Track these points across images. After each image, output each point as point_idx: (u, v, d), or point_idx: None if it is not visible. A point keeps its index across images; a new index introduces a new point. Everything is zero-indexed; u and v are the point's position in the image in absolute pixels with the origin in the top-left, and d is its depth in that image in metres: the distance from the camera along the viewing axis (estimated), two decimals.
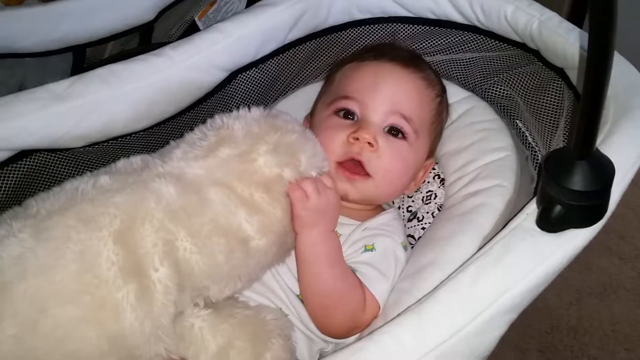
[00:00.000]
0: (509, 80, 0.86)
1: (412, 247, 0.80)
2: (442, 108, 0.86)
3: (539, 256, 0.56)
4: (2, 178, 0.71)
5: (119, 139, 0.77)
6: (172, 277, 0.60)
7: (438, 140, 0.88)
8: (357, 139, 0.77)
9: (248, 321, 0.66)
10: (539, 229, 0.57)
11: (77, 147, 0.74)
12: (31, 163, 0.73)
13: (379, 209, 0.85)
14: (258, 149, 0.68)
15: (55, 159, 0.75)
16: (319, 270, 0.70)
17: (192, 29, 1.22)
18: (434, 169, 0.88)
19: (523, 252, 0.56)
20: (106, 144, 0.77)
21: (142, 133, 0.79)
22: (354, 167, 0.77)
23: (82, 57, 1.09)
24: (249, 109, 0.73)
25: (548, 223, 0.56)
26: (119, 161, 0.70)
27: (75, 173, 0.79)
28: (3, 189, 0.72)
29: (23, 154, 0.72)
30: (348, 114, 0.80)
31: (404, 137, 0.79)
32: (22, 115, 0.68)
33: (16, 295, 0.55)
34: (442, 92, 0.87)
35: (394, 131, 0.79)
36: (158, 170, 0.66)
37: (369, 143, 0.76)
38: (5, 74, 1.06)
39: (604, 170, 0.54)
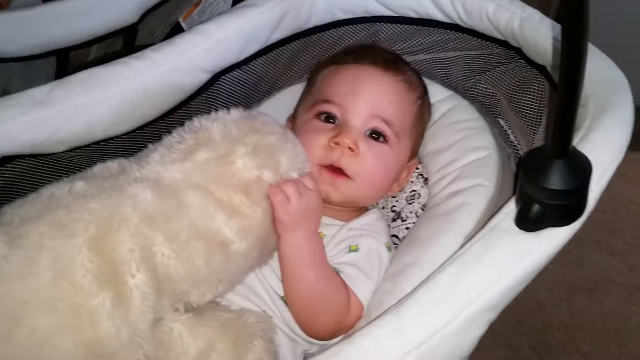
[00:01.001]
0: (492, 78, 0.86)
1: (396, 247, 0.80)
2: (423, 110, 0.86)
3: (518, 255, 0.55)
4: None
5: (101, 143, 0.77)
6: (149, 283, 0.59)
7: (420, 141, 0.88)
8: (338, 143, 0.76)
9: (229, 323, 0.66)
10: (517, 228, 0.57)
11: (58, 152, 0.74)
12: (13, 169, 0.73)
13: (362, 209, 0.85)
14: (236, 152, 0.67)
15: (37, 164, 0.75)
16: (303, 272, 0.70)
17: (176, 31, 1.21)
18: (417, 168, 0.88)
19: (502, 252, 0.56)
20: (88, 148, 0.76)
21: (124, 136, 0.79)
22: (334, 170, 0.77)
23: (66, 61, 1.09)
24: (228, 110, 0.72)
25: (526, 222, 0.56)
26: (95, 166, 0.70)
27: (57, 177, 0.78)
28: None
29: (4, 160, 0.71)
30: (329, 118, 0.80)
31: (385, 141, 0.79)
32: (3, 122, 0.67)
33: None
34: (424, 94, 0.87)
35: (375, 135, 0.79)
36: (135, 175, 0.66)
37: (350, 147, 0.76)
38: None
39: (581, 169, 0.54)
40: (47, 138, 0.71)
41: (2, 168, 0.71)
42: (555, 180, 0.53)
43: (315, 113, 0.81)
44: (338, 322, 0.71)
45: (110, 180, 0.65)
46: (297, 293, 0.71)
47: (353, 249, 0.75)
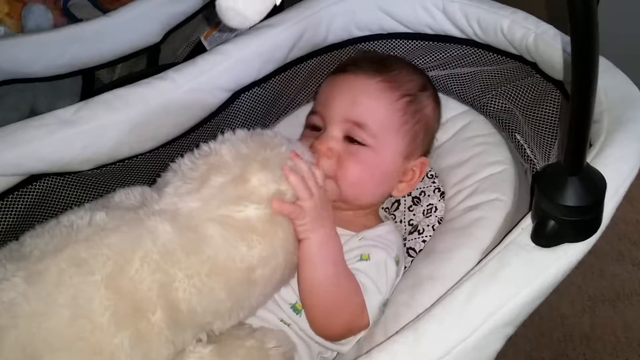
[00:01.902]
0: (508, 93, 0.87)
1: (412, 260, 0.81)
2: (417, 106, 0.85)
3: (534, 271, 0.56)
4: (14, 202, 0.73)
5: (125, 161, 0.79)
6: (169, 320, 0.59)
7: (425, 137, 0.87)
8: (313, 149, 0.79)
9: (251, 356, 0.66)
10: (533, 244, 0.57)
11: (84, 170, 0.77)
12: (40, 187, 0.75)
13: (374, 218, 0.86)
14: (250, 169, 0.67)
15: (64, 182, 0.77)
16: (325, 269, 0.71)
17: (198, 49, 1.25)
18: (434, 182, 0.89)
19: (518, 268, 0.56)
20: (113, 166, 0.78)
21: (148, 154, 0.81)
22: None
23: (92, 80, 1.12)
24: (234, 131, 0.73)
25: (542, 238, 0.57)
26: (117, 193, 0.70)
27: (84, 195, 0.81)
28: (14, 212, 0.74)
29: (33, 179, 0.74)
30: (315, 128, 0.84)
31: (362, 144, 0.81)
32: (32, 141, 0.70)
33: (7, 342, 0.55)
34: (419, 90, 0.86)
35: (350, 139, 0.81)
36: (154, 207, 0.65)
37: (325, 154, 0.79)
38: (17, 99, 1.10)
39: (596, 185, 0.55)
40: (74, 157, 0.73)
41: (30, 186, 0.74)
42: (570, 197, 0.54)
43: (307, 124, 0.88)
44: (352, 323, 0.72)
45: (131, 212, 0.65)
46: (317, 290, 0.71)
47: (364, 258, 0.76)
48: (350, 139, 0.81)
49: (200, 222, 0.64)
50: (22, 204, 0.74)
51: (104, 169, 0.78)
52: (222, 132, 0.73)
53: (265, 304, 0.74)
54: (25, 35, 1.05)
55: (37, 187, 0.75)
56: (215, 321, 0.64)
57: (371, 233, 0.80)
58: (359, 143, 0.81)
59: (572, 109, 0.49)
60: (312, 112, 0.86)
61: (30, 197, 0.75)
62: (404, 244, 0.85)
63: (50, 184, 0.76)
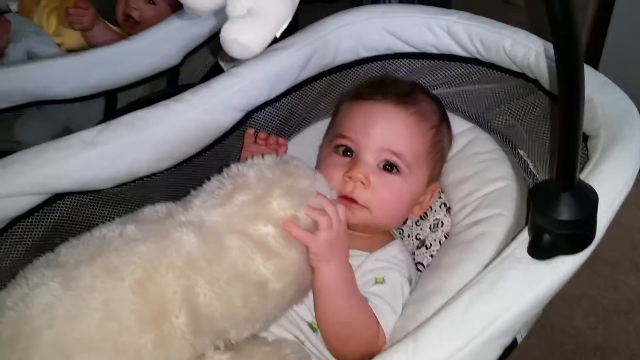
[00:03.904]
0: (511, 110, 0.89)
1: (420, 274, 0.84)
2: (439, 137, 0.89)
3: (530, 283, 0.58)
4: (38, 220, 0.77)
5: (144, 179, 0.83)
6: (191, 323, 0.63)
7: (441, 164, 0.92)
8: (351, 177, 0.81)
9: (268, 358, 0.70)
10: (530, 257, 0.60)
11: (106, 189, 0.81)
12: (64, 205, 0.79)
13: (385, 236, 0.88)
14: (272, 193, 0.71)
15: (86, 200, 0.81)
16: (338, 301, 0.74)
17: (215, 70, 1.29)
18: (440, 197, 0.91)
19: (514, 279, 0.59)
20: (132, 184, 0.82)
21: (166, 172, 0.85)
22: (349, 200, 0.82)
23: (114, 101, 1.18)
24: (263, 156, 0.77)
25: (538, 251, 0.59)
26: (145, 208, 0.75)
27: (105, 212, 0.85)
28: (39, 229, 0.78)
29: (57, 197, 0.78)
30: (346, 151, 0.86)
31: (397, 172, 0.83)
32: (56, 162, 0.74)
33: (44, 341, 0.60)
34: (440, 122, 0.90)
35: (389, 166, 0.83)
36: (180, 219, 0.70)
37: (361, 181, 0.81)
38: (52, 117, 1.16)
39: (588, 200, 0.57)
40: (96, 176, 0.77)
41: (54, 204, 0.78)
42: (563, 212, 0.56)
43: (334, 147, 0.87)
44: (367, 349, 0.74)
45: (158, 224, 0.70)
46: (332, 321, 0.74)
47: (379, 281, 0.78)
48: (384, 167, 0.84)
49: (222, 234, 0.69)
50: (47, 221, 0.78)
51: (124, 186, 0.82)
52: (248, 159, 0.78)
53: (279, 320, 0.77)
54: (52, 59, 1.11)
55: (61, 205, 0.79)
56: (232, 329, 0.68)
57: (384, 253, 0.82)
58: (393, 171, 0.83)
59: (561, 128, 0.52)
60: (342, 136, 0.86)
61: (55, 214, 0.79)
62: (413, 259, 0.87)
63: (74, 201, 0.80)
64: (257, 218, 0.70)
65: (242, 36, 0.51)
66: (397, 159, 0.83)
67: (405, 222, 0.93)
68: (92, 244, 0.67)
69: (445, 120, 0.92)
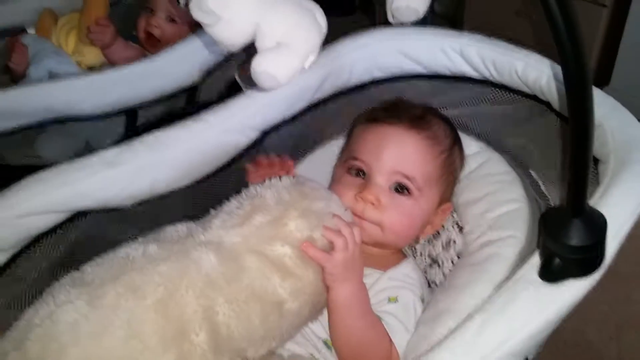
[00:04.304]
0: (524, 131, 0.91)
1: (432, 293, 0.85)
2: (451, 160, 0.90)
3: (540, 305, 0.60)
4: (61, 236, 0.80)
5: (164, 197, 0.85)
6: (211, 342, 0.65)
7: (453, 186, 0.93)
8: (362, 198, 0.83)
9: None
10: (540, 280, 0.61)
11: (126, 206, 0.83)
12: (85, 222, 0.81)
13: (398, 255, 0.89)
14: (289, 215, 0.73)
15: (107, 217, 0.83)
16: (352, 321, 0.75)
17: (233, 86, 1.31)
18: (452, 216, 0.92)
19: (525, 302, 0.60)
20: (152, 202, 0.84)
21: (184, 190, 0.87)
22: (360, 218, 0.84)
23: (135, 118, 1.20)
24: (280, 178, 0.79)
25: (548, 274, 0.60)
26: (166, 228, 0.77)
27: (125, 228, 0.86)
28: (61, 246, 0.80)
29: (78, 215, 0.80)
30: (358, 172, 0.88)
31: (409, 193, 0.85)
32: (78, 181, 0.76)
33: (70, 359, 0.62)
34: (452, 145, 0.91)
35: (400, 188, 0.85)
36: (200, 239, 0.72)
37: (372, 202, 0.83)
38: (74, 134, 1.19)
39: (597, 226, 0.58)
40: (117, 195, 0.79)
41: (76, 221, 0.80)
42: (573, 237, 0.57)
43: (347, 168, 0.90)
44: None
45: (179, 244, 0.72)
46: (345, 340, 0.76)
47: (392, 300, 0.80)
48: (395, 189, 0.85)
49: (241, 254, 0.71)
50: (69, 238, 0.81)
51: (143, 204, 0.84)
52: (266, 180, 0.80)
53: (294, 337, 0.78)
54: (74, 77, 1.14)
55: (82, 222, 0.81)
56: (249, 347, 0.70)
57: (397, 272, 0.83)
58: (405, 193, 0.85)
59: (571, 157, 0.53)
60: (355, 159, 0.89)
61: (77, 231, 0.81)
62: (425, 277, 0.89)
63: (95, 219, 0.82)
64: (275, 239, 0.72)
65: (272, 69, 0.54)
66: (407, 182, 0.85)
67: (417, 241, 0.95)
68: (116, 263, 0.69)
69: (457, 143, 0.93)
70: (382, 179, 0.85)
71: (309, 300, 0.73)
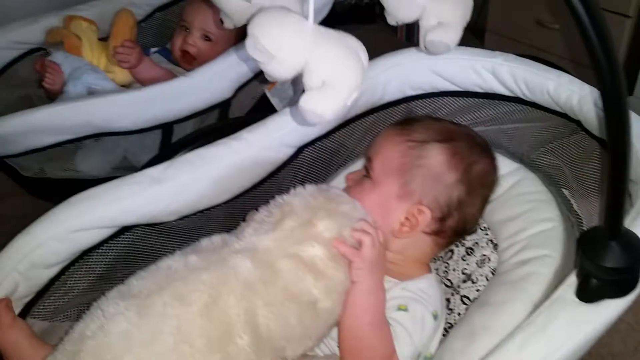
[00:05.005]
0: (555, 149, 0.92)
1: (467, 308, 0.87)
2: (419, 153, 0.87)
3: (578, 325, 0.62)
4: (108, 250, 0.83)
5: (204, 212, 0.89)
6: (253, 343, 0.69)
7: (419, 184, 0.86)
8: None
9: None
10: (578, 300, 0.63)
11: (169, 221, 0.87)
12: (131, 236, 0.85)
13: (420, 269, 0.89)
14: (317, 217, 0.77)
15: (150, 231, 0.87)
16: (363, 316, 0.77)
17: (263, 101, 1.35)
18: (486, 234, 0.94)
19: (563, 322, 0.62)
20: (194, 216, 0.88)
21: (223, 205, 0.91)
22: None
23: (170, 132, 1.24)
24: (304, 186, 0.83)
25: (586, 295, 0.63)
26: (202, 240, 0.81)
27: (166, 241, 0.90)
28: (108, 258, 0.84)
29: (125, 229, 0.83)
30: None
31: (369, 175, 0.89)
32: (127, 198, 0.80)
33: None
34: (422, 139, 0.88)
35: (365, 171, 0.91)
36: (235, 247, 0.77)
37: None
38: (112, 147, 1.22)
39: (633, 248, 0.60)
40: (162, 210, 0.83)
41: (122, 236, 0.84)
42: (610, 259, 0.60)
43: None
44: None
45: (216, 254, 0.76)
46: (351, 334, 0.78)
47: (402, 308, 0.81)
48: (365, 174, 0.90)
49: (275, 258, 0.74)
50: (114, 251, 0.85)
51: (185, 219, 0.88)
52: (292, 185, 0.84)
53: (327, 336, 0.81)
54: (114, 94, 1.18)
55: (128, 236, 0.85)
56: (288, 347, 0.73)
57: (413, 285, 0.84)
58: (368, 175, 0.89)
59: (609, 179, 0.55)
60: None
61: (122, 245, 0.85)
62: (458, 292, 0.90)
63: (139, 233, 0.86)
64: (305, 240, 0.76)
65: (318, 108, 0.57)
66: (369, 164, 0.90)
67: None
68: (160, 275, 0.74)
69: (442, 142, 0.88)
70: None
71: (341, 299, 0.77)
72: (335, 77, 0.58)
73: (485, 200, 0.91)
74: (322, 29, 0.62)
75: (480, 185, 0.89)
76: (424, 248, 0.89)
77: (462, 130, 0.93)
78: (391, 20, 0.88)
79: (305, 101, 0.57)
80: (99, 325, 0.69)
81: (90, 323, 0.70)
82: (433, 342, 0.82)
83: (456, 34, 0.85)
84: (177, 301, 0.69)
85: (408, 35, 2.57)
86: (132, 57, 1.32)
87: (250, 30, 0.59)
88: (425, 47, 0.87)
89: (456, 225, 0.87)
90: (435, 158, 0.87)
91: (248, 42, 0.58)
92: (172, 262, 0.75)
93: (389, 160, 0.88)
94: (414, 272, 0.87)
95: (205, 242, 0.80)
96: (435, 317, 0.82)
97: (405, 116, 1.02)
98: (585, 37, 0.46)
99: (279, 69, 0.58)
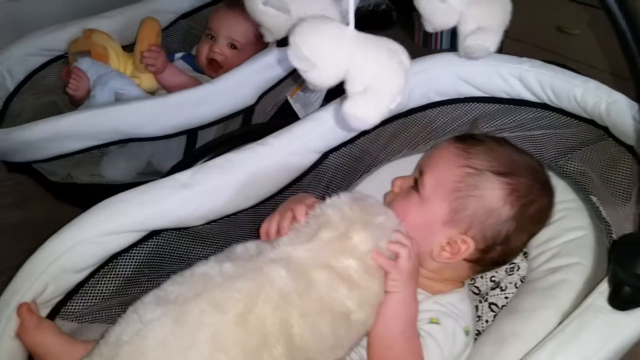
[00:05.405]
0: (583, 156, 0.92)
1: (495, 315, 0.87)
2: (473, 181, 0.83)
3: (610, 333, 0.62)
4: (136, 253, 0.84)
5: (231, 216, 0.90)
6: (287, 353, 0.69)
7: (469, 214, 0.82)
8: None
9: None
10: (610, 307, 0.63)
11: (197, 226, 0.87)
12: (158, 241, 0.86)
13: (452, 283, 0.88)
14: (353, 229, 0.77)
15: (178, 235, 0.88)
16: (396, 326, 0.77)
17: (285, 107, 1.36)
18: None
19: (596, 330, 0.62)
20: (221, 221, 0.89)
21: (249, 210, 0.91)
22: None
23: (195, 138, 1.25)
24: (339, 194, 0.82)
25: (618, 302, 0.62)
26: (237, 247, 0.80)
27: (193, 245, 0.91)
28: (135, 262, 0.85)
29: (153, 233, 0.84)
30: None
31: (417, 189, 0.86)
32: (156, 202, 0.81)
33: None
34: (483, 168, 0.84)
35: (414, 183, 0.88)
36: (270, 256, 0.76)
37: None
38: (138, 152, 1.24)
39: None
40: (190, 215, 0.83)
41: (150, 240, 0.85)
42: None
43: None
44: None
45: (251, 262, 0.76)
46: (382, 342, 0.78)
47: (434, 322, 0.81)
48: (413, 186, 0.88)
49: (309, 268, 0.74)
50: (142, 255, 0.86)
51: (212, 223, 0.89)
52: (316, 191, 0.84)
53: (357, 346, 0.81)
54: (141, 101, 1.19)
55: (156, 240, 0.86)
56: (320, 357, 0.73)
57: (444, 299, 0.84)
58: (416, 189, 0.86)
59: None
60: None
61: (150, 249, 0.86)
62: (486, 299, 0.90)
63: (166, 237, 0.87)
64: (341, 252, 0.76)
65: (361, 113, 0.57)
66: (420, 178, 0.87)
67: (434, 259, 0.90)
68: (196, 281, 0.73)
69: (503, 176, 0.83)
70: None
71: (374, 311, 0.77)
72: (377, 82, 0.58)
73: (532, 236, 0.88)
74: (362, 34, 0.62)
75: (532, 224, 0.86)
76: (460, 271, 0.87)
77: (526, 163, 0.87)
78: (429, 27, 0.87)
79: (348, 107, 0.58)
80: (135, 331, 0.69)
81: (126, 328, 0.70)
82: (462, 358, 0.81)
83: (496, 37, 0.85)
84: (213, 309, 0.69)
85: (425, 41, 2.56)
86: (159, 62, 1.34)
87: (292, 39, 0.60)
88: (464, 52, 0.87)
89: (498, 257, 0.85)
90: (492, 192, 0.82)
91: (290, 51, 0.59)
92: (208, 269, 0.75)
93: (442, 181, 0.84)
94: (444, 287, 0.87)
95: (239, 248, 0.80)
96: (467, 333, 0.81)
97: (467, 132, 1.00)
98: (625, 52, 0.46)
99: (321, 76, 0.58)
